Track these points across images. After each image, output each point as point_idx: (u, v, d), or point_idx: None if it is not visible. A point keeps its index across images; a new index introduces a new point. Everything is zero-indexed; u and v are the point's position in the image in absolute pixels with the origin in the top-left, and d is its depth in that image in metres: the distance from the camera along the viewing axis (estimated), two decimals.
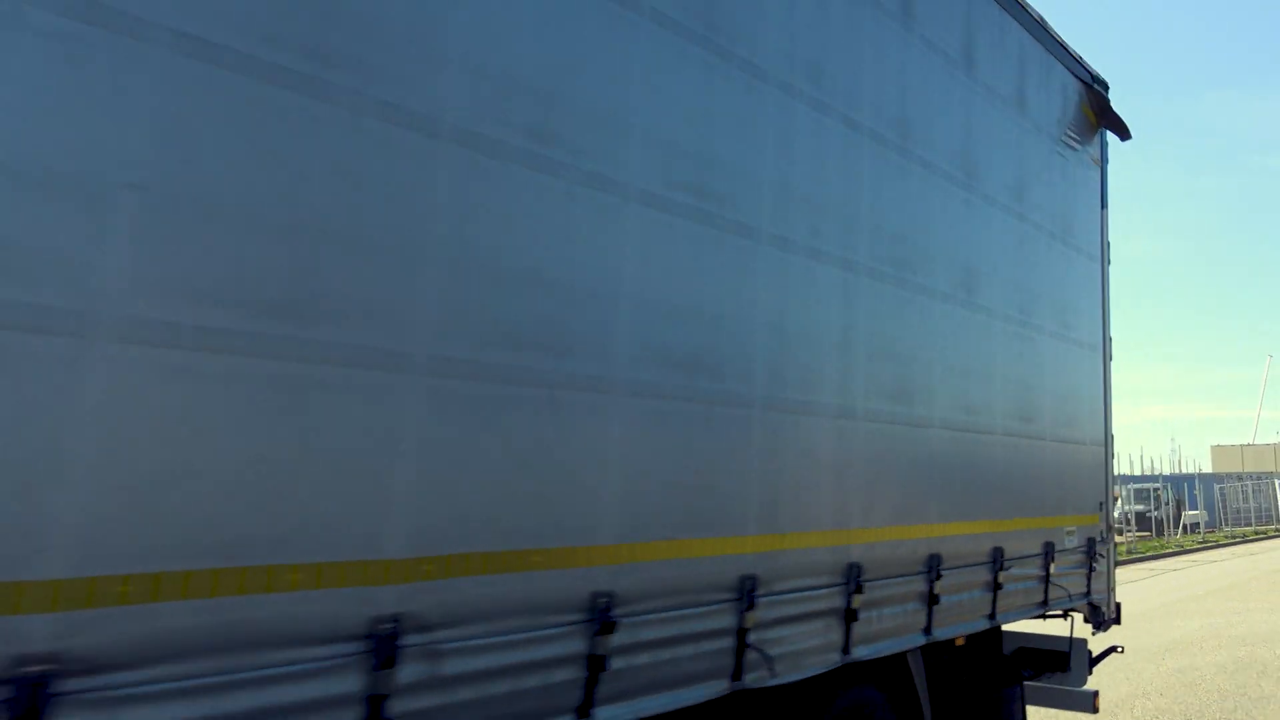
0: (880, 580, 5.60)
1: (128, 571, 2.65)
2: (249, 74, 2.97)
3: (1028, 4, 7.58)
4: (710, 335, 4.61)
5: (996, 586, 6.66)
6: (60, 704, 2.47)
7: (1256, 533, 48.63)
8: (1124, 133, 8.90)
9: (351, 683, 3.10)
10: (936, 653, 6.55)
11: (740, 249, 4.82)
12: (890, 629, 5.69)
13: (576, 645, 3.85)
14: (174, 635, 2.73)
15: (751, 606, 4.68)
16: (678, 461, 4.42)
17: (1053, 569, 7.31)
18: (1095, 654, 8.22)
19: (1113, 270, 8.74)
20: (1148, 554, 36.63)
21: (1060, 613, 7.85)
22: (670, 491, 4.37)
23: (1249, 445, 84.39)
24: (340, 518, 3.13)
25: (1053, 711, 8.28)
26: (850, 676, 5.54)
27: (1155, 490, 45.46)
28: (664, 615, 4.25)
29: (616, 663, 3.95)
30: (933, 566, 6.05)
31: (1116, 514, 31.06)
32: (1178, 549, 39.16)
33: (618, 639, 3.97)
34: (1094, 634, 8.19)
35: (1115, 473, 9.00)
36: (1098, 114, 8.71)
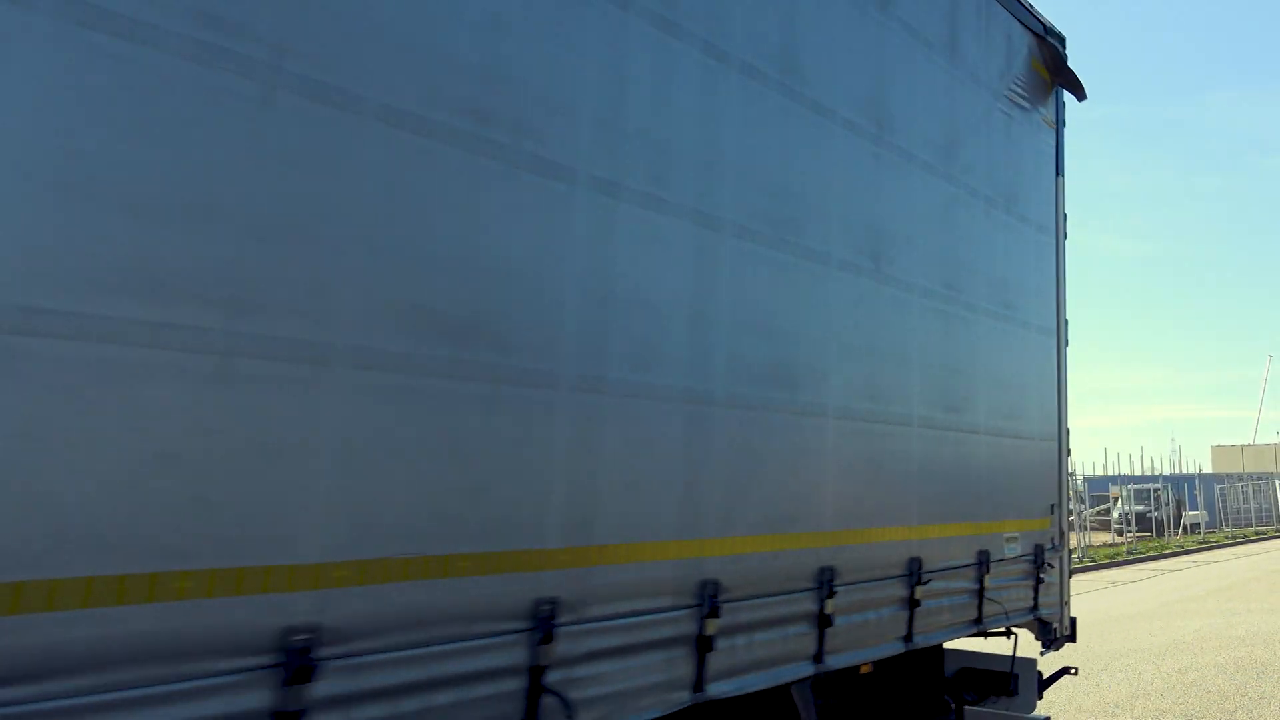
0: (748, 601, 4.49)
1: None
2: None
3: None
4: (496, 293, 3.51)
5: (913, 603, 5.51)
6: None
7: (1257, 533, 47.67)
8: (1080, 92, 7.73)
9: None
10: (840, 683, 5.44)
11: (552, 192, 3.75)
12: (765, 658, 4.58)
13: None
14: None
15: (548, 639, 3.56)
16: (438, 457, 3.34)
17: (988, 581, 6.16)
18: (1047, 675, 7.04)
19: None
20: (1148, 554, 35.45)
21: (1003, 630, 6.67)
22: (421, 494, 3.30)
23: (1249, 445, 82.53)
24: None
25: None
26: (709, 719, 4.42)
27: (1155, 490, 43.87)
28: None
29: None
30: (825, 582, 4.92)
31: (1116, 514, 30.23)
32: (1178, 549, 37.96)
33: None
34: (1043, 653, 7.00)
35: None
36: (1052, 70, 7.54)
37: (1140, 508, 42.59)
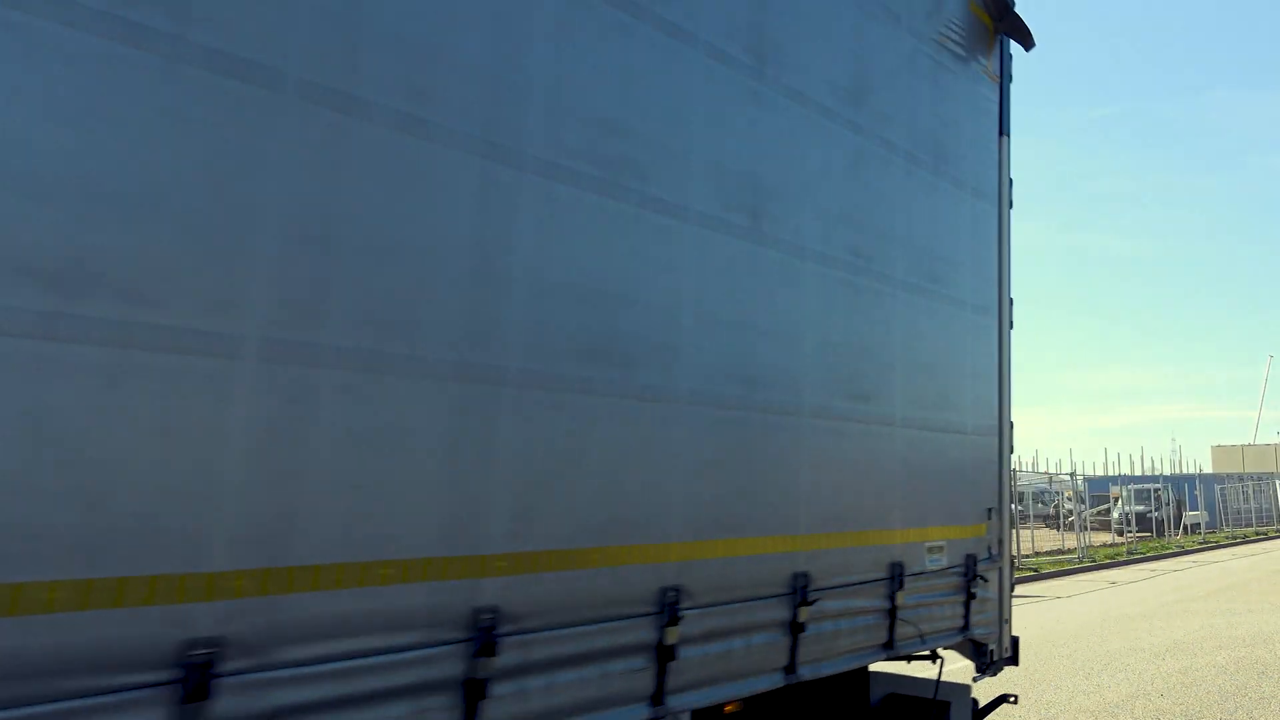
0: (545, 633, 3.43)
1: None
2: None
3: None
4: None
5: (797, 628, 4.43)
6: None
7: (1257, 533, 46.36)
8: (1028, 40, 6.62)
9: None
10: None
11: (258, 102, 2.82)
12: (574, 703, 3.50)
13: None
14: None
15: (200, 694, 2.55)
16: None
17: (903, 599, 5.06)
18: (984, 704, 5.94)
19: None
20: (1148, 554, 34.38)
21: (927, 654, 5.58)
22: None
23: (1250, 445, 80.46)
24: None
25: None
26: None
27: (1156, 491, 42.54)
28: None
29: None
30: (667, 605, 3.85)
31: (1116, 514, 28.98)
32: (1178, 549, 36.81)
33: None
34: (977, 679, 5.89)
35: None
36: (994, 16, 6.44)
37: (1140, 508, 41.27)
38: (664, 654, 3.81)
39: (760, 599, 4.31)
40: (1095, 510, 40.09)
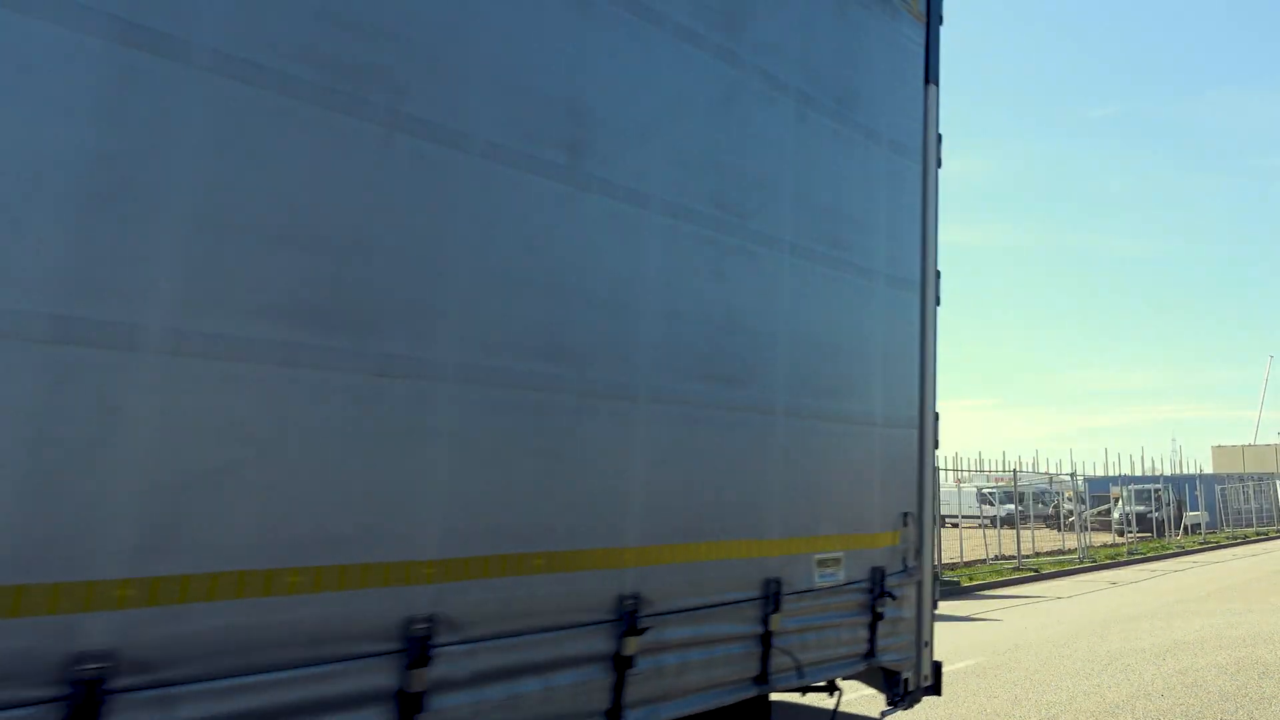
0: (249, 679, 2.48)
1: None
2: None
3: None
4: None
5: (623, 663, 3.41)
6: None
7: (1258, 533, 44.76)
8: None
9: None
10: None
11: None
12: None
13: None
14: None
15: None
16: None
17: (778, 622, 4.03)
18: None
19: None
20: (1149, 555, 33.09)
21: (823, 685, 4.54)
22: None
23: (1250, 446, 78.12)
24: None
25: None
26: None
27: (1156, 491, 40.85)
28: None
29: None
30: (415, 641, 2.84)
31: (1116, 515, 27.95)
32: (1179, 550, 35.46)
33: None
34: (885, 714, 4.83)
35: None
36: None
37: (1141, 508, 39.74)
38: (408, 706, 2.80)
39: (576, 627, 3.29)
40: (1095, 510, 38.91)
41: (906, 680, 4.76)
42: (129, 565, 2.36)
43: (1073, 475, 36.72)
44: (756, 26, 4.25)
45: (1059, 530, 36.22)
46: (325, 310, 2.77)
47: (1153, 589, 22.49)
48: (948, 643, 14.42)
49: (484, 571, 3.06)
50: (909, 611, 4.85)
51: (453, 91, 3.09)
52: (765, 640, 3.99)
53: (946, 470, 32.28)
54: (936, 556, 19.26)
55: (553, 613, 3.25)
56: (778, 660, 4.01)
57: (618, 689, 3.40)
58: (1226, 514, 45.41)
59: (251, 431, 2.59)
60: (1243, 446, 76.61)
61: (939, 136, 5.43)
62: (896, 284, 5.01)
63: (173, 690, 2.38)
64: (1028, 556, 29.07)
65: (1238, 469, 58.93)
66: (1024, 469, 37.42)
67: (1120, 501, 40.21)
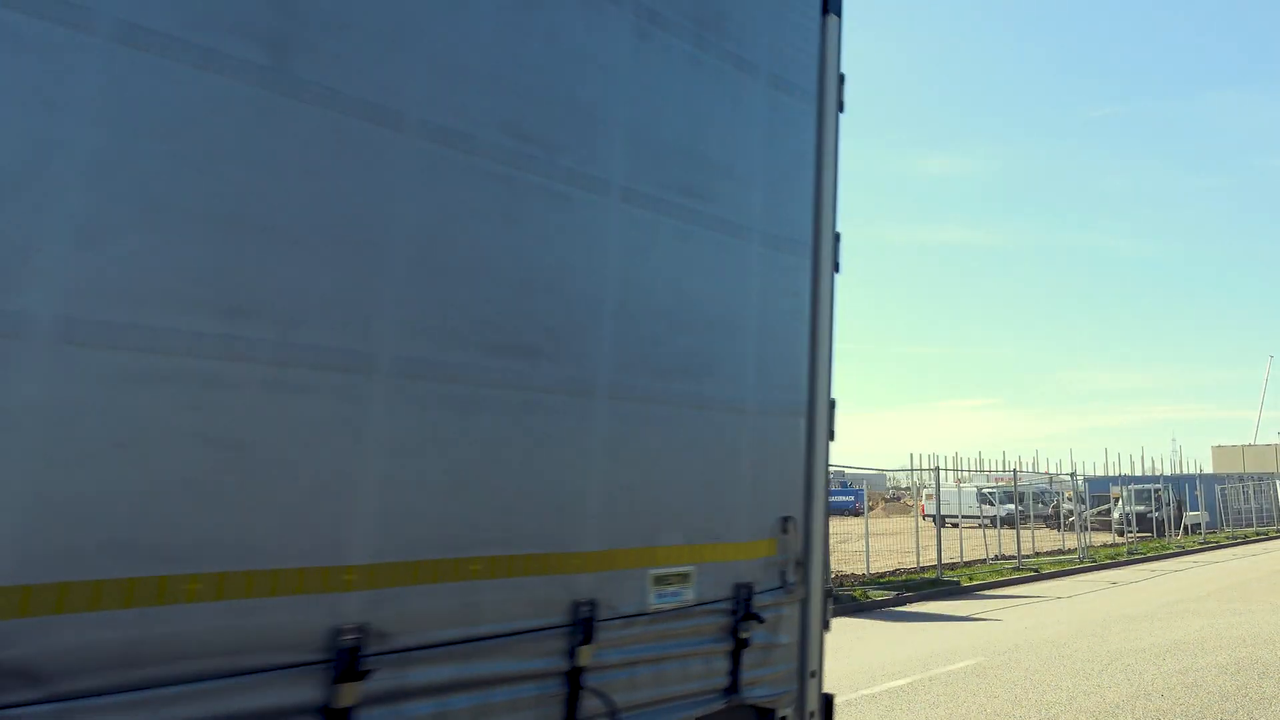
0: None
1: None
2: None
3: None
4: None
5: (335, 717, 2.46)
6: None
7: (1258, 533, 43.40)
8: None
9: None
10: None
11: None
12: None
13: None
14: None
15: None
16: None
17: (589, 655, 3.06)
18: None
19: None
20: (1149, 555, 32.13)
21: None
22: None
23: (1250, 446, 76.41)
24: None
25: None
26: None
27: (1156, 491, 39.65)
28: None
29: None
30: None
31: (1117, 515, 27.22)
32: (1179, 550, 34.37)
33: None
34: None
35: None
36: None
37: (1141, 508, 38.55)
38: None
39: (259, 672, 2.35)
40: (1095, 510, 37.83)
41: (782, 718, 3.77)
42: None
43: (1073, 475, 35.86)
44: None
45: (1059, 530, 35.22)
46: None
47: (1153, 589, 21.97)
48: (948, 642, 14.18)
49: None
50: (788, 636, 3.87)
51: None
52: (573, 678, 3.03)
53: (946, 470, 31.42)
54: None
55: (261, 649, 2.35)
56: (589, 703, 3.05)
57: None
58: (1226, 514, 44.14)
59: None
60: (1243, 446, 75.29)
61: (841, 76, 4.46)
62: (778, 245, 4.03)
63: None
64: (1028, 556, 28.38)
65: (1238, 469, 57.79)
66: (1024, 469, 36.57)
67: (1120, 501, 39.21)
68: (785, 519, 3.90)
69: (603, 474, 3.20)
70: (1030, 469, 35.66)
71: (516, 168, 3.05)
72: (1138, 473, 42.17)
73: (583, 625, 3.06)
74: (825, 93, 4.35)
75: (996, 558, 28.08)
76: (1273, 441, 78.74)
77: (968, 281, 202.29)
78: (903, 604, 19.21)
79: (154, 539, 2.25)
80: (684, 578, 3.44)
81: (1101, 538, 36.46)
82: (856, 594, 19.43)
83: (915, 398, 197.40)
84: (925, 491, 36.71)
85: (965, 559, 27.34)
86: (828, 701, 3.99)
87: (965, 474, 40.16)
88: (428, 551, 2.72)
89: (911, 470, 34.89)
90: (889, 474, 60.22)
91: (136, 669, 2.21)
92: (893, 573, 24.00)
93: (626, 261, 3.36)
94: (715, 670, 3.54)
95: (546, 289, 3.10)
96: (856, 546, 25.16)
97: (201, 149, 2.40)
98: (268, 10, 2.52)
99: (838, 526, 26.29)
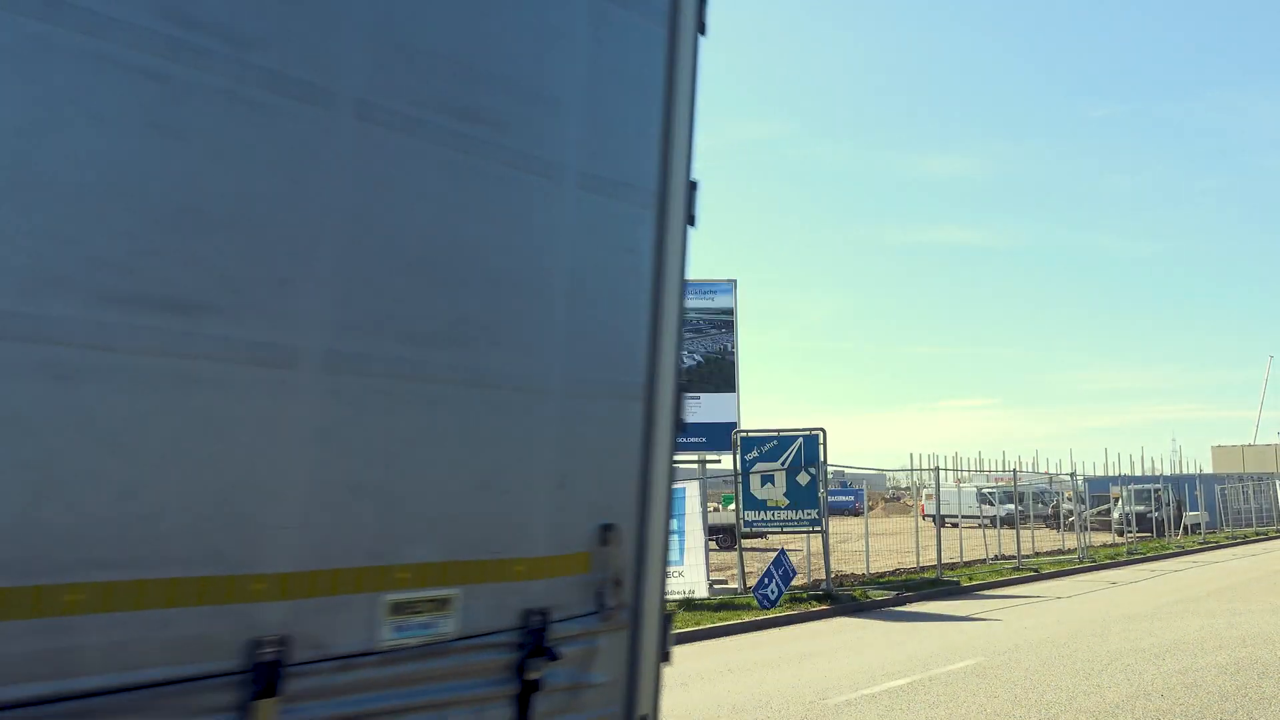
0: None
1: None
2: None
3: None
4: None
5: None
6: None
7: (1258, 533, 42.16)
8: None
9: None
10: None
11: None
12: None
13: None
14: None
15: None
16: None
17: (270, 711, 2.18)
18: None
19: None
20: (1149, 555, 31.17)
21: None
22: None
23: (1250, 446, 74.96)
24: None
25: None
26: None
27: (1156, 491, 38.57)
28: None
29: None
30: None
31: (1116, 515, 26.85)
32: (1179, 550, 33.34)
33: None
34: None
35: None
36: None
37: (1141, 508, 37.47)
38: None
39: None
40: (1095, 510, 36.88)
41: None
42: None
43: (1073, 475, 34.87)
44: None
45: (1059, 530, 34.34)
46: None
47: (1152, 589, 21.38)
48: (948, 642, 13.67)
49: None
50: (606, 673, 2.94)
51: None
52: None
53: (946, 470, 30.54)
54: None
55: None
56: None
57: None
58: (1226, 514, 42.94)
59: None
60: (1243, 446, 74.05)
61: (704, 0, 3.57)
62: (606, 190, 3.14)
63: None
64: (1027, 556, 27.67)
65: (1238, 469, 56.59)
66: (1024, 469, 35.54)
67: (1120, 501, 38.26)
68: (606, 528, 3.01)
69: (308, 470, 2.32)
70: (1030, 469, 34.68)
71: (182, 63, 2.19)
72: (1137, 473, 41.06)
73: (262, 671, 2.19)
74: (681, 10, 3.44)
75: (996, 558, 27.68)
76: (1273, 441, 77.15)
77: (968, 281, 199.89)
78: (902, 604, 18.88)
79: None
80: (440, 604, 2.56)
81: (1101, 538, 35.67)
82: (856, 594, 19.15)
83: (915, 398, 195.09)
84: (925, 491, 35.99)
85: (965, 559, 26.98)
86: None
87: (965, 474, 39.16)
88: (29, 576, 1.88)
89: (911, 470, 34.09)
90: (889, 474, 59.22)
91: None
92: (893, 573, 23.76)
93: (361, 196, 2.49)
94: None
95: (223, 225, 2.24)
96: (856, 546, 25.18)
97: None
98: None
99: (838, 527, 26.01)
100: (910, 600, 19.23)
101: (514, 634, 2.74)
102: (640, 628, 3.09)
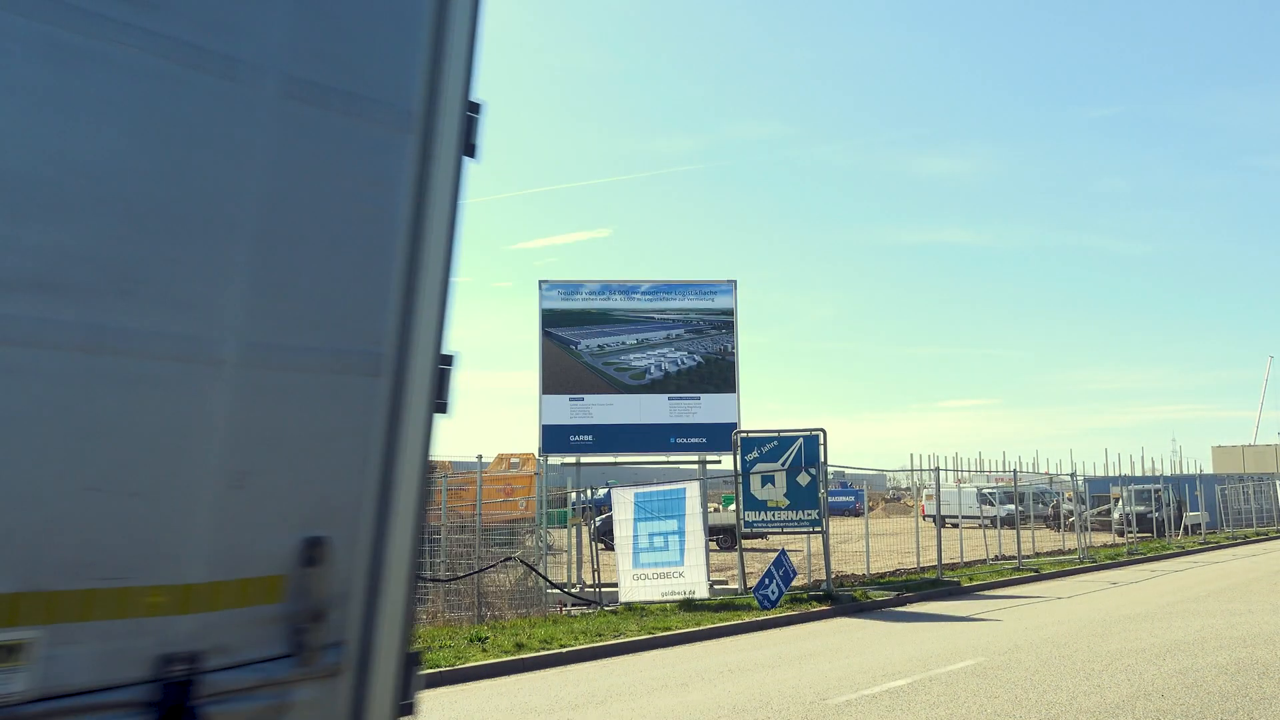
0: None
1: None
2: None
3: None
4: None
5: None
6: None
7: (1258, 534, 41.59)
8: None
9: None
10: None
11: None
12: None
13: None
14: None
15: None
16: None
17: None
18: None
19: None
20: (1149, 555, 30.60)
21: None
22: None
23: (1250, 446, 74.43)
24: None
25: None
26: None
27: (1156, 491, 38.04)
28: None
29: None
30: None
31: (1117, 515, 26.53)
32: (1179, 550, 32.80)
33: None
34: None
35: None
36: None
37: (1141, 508, 36.93)
38: None
39: None
40: (1096, 511, 36.46)
41: None
42: None
43: (1073, 475, 34.37)
44: None
45: (1059, 530, 33.99)
46: None
47: (1153, 589, 20.96)
48: (948, 642, 13.34)
49: None
50: None
51: None
52: None
53: (947, 470, 30.09)
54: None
55: None
56: None
57: None
58: (1226, 514, 42.45)
59: None
60: (1243, 447, 73.54)
61: None
62: (324, 101, 2.46)
63: None
64: (1028, 557, 27.25)
65: (1238, 469, 56.15)
66: (1024, 469, 35.07)
67: (1120, 502, 37.78)
68: (314, 542, 2.34)
69: None
70: (1030, 469, 34.22)
71: None
72: (1138, 473, 40.45)
73: None
74: None
75: (996, 558, 27.36)
76: (1273, 441, 76.73)
77: (967, 282, 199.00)
78: (903, 604, 18.60)
79: None
80: (6, 652, 1.93)
81: (1101, 538, 35.24)
82: (857, 594, 18.89)
83: (915, 398, 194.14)
84: (925, 492, 35.58)
85: (965, 559, 26.70)
86: None
87: (965, 474, 38.65)
88: None
89: (911, 470, 33.66)
90: (889, 474, 58.77)
91: None
92: (893, 573, 23.52)
93: None
94: None
95: None
96: (856, 547, 25.04)
97: None
98: None
99: (838, 527, 25.79)
100: (911, 600, 18.94)
101: (143, 689, 2.05)
102: (369, 672, 2.44)
